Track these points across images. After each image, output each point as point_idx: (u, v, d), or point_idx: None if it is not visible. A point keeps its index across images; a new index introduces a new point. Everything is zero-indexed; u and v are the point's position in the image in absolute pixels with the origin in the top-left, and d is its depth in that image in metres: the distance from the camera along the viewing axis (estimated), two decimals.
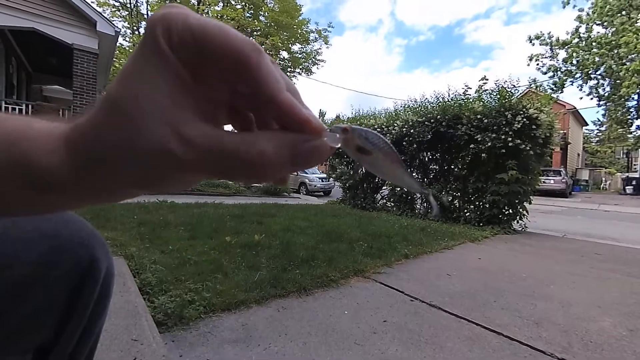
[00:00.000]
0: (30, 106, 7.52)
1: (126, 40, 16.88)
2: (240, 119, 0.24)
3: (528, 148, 4.64)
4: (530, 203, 5.05)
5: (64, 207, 0.26)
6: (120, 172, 0.19)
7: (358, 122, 6.99)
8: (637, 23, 15.47)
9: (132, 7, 16.03)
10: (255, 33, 15.66)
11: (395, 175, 0.24)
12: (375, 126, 6.44)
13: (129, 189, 0.21)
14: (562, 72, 18.47)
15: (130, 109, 0.18)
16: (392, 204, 6.56)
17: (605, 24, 16.88)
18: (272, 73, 0.19)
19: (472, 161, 5.17)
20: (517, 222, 4.98)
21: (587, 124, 30.70)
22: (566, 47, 18.02)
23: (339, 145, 0.21)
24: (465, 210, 5.35)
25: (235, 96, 0.22)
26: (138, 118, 0.18)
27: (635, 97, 18.53)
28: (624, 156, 35.78)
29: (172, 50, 0.18)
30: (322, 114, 38.91)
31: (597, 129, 41.67)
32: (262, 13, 15.67)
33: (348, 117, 8.26)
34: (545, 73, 18.82)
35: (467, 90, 5.89)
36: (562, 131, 18.04)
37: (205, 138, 0.18)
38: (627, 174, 22.56)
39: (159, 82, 0.18)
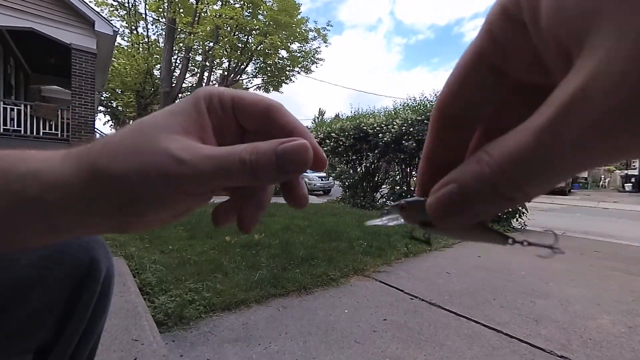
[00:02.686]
0: (28, 106, 7.50)
1: (124, 40, 16.84)
2: None
3: None
4: (529, 201, 5.05)
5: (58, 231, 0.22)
6: (119, 186, 0.20)
7: (357, 121, 6.98)
8: None
9: (130, 6, 15.98)
10: (254, 32, 15.62)
11: (474, 235, 0.20)
12: (375, 125, 6.43)
13: (125, 211, 0.21)
14: None
15: (147, 126, 0.21)
16: (392, 203, 6.56)
17: None
18: (292, 115, 0.25)
19: None
20: (517, 220, 4.98)
21: None
22: None
23: (403, 222, 0.21)
24: None
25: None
26: (150, 134, 0.20)
27: None
28: None
29: (208, 111, 0.23)
30: (321, 113, 38.89)
31: None
32: (260, 12, 15.59)
33: (347, 116, 8.25)
34: None
35: None
36: None
37: (207, 148, 0.21)
38: (626, 172, 22.55)
39: (180, 118, 0.22)
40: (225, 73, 16.74)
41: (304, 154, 0.21)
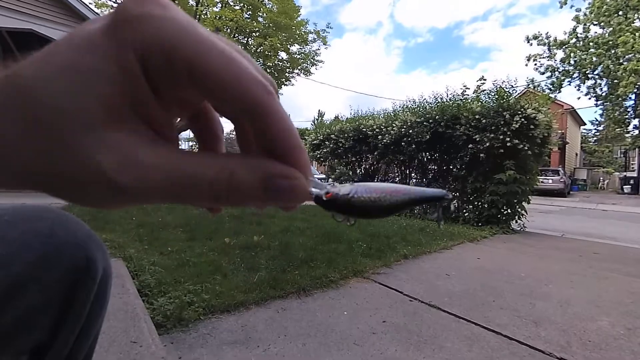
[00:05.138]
0: None
1: None
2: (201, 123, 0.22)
3: (526, 148, 4.65)
4: (528, 203, 5.07)
5: None
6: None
7: (357, 123, 6.98)
8: (634, 23, 15.52)
9: None
10: (253, 34, 15.66)
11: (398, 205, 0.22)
12: (374, 126, 6.43)
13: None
14: (559, 72, 18.49)
15: (45, 112, 0.14)
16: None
17: (602, 24, 16.92)
18: (283, 119, 0.17)
19: (471, 161, 5.18)
20: (516, 221, 4.99)
21: (585, 124, 30.86)
22: (564, 47, 18.06)
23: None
24: (464, 210, 5.36)
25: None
26: (57, 131, 0.14)
27: (633, 96, 18.58)
28: (622, 156, 35.89)
29: (145, 72, 0.14)
30: (321, 114, 38.93)
31: (595, 129, 41.82)
32: (260, 14, 15.65)
33: (347, 118, 8.25)
34: (543, 73, 18.83)
35: (465, 91, 5.91)
36: (560, 131, 18.05)
37: (161, 163, 0.15)
38: (624, 174, 22.62)
39: (96, 88, 0.14)
40: None
41: (297, 196, 0.17)
